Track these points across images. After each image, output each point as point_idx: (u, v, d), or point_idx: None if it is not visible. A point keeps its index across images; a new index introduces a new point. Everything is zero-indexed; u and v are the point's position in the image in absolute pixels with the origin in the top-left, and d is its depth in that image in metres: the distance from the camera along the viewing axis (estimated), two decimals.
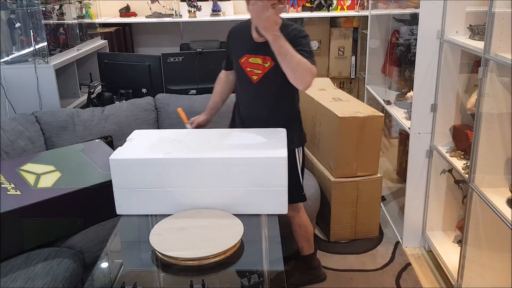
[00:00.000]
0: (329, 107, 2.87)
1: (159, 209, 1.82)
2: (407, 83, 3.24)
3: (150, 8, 4.94)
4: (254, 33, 2.08)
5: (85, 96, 3.49)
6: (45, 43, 3.12)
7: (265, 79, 2.11)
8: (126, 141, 2.01)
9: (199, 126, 2.29)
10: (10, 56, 3.15)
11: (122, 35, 4.98)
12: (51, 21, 3.50)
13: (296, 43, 1.99)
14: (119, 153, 1.85)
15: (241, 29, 2.19)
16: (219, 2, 4.83)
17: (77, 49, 3.63)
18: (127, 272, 1.60)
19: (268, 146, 1.87)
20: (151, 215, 1.84)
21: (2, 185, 2.05)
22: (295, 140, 2.19)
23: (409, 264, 2.69)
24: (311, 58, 1.99)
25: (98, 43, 4.09)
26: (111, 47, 4.50)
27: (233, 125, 2.34)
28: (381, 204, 3.15)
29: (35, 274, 1.89)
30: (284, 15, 4.86)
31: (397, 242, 2.90)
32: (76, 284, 2.02)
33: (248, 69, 2.14)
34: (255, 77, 2.13)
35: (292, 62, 1.88)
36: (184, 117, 2.28)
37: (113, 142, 2.82)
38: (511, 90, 2.00)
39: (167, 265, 1.54)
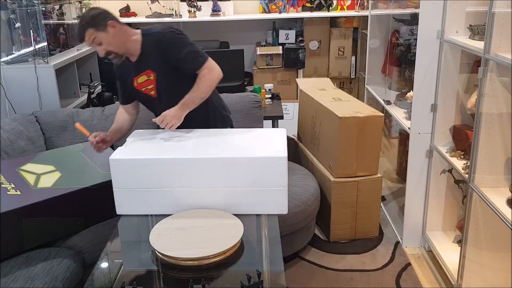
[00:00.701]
0: (329, 107, 2.87)
1: (159, 209, 1.82)
2: (407, 83, 3.24)
3: (150, 8, 4.94)
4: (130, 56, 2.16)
5: (85, 96, 3.49)
6: (45, 43, 3.12)
7: (161, 90, 2.17)
8: (126, 141, 2.01)
9: (103, 140, 2.16)
10: (10, 56, 3.15)
11: None
12: (51, 21, 3.50)
13: (173, 51, 2.09)
14: (119, 153, 1.85)
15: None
16: (219, 2, 4.83)
17: (77, 49, 3.63)
18: (127, 272, 1.60)
19: (268, 146, 1.87)
20: (151, 215, 1.84)
21: (2, 185, 2.05)
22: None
23: (409, 264, 2.69)
24: (197, 54, 2.09)
25: None
26: None
27: None
28: (381, 204, 3.15)
29: (35, 274, 1.89)
30: (284, 15, 4.87)
31: (397, 242, 2.90)
32: (76, 284, 2.02)
33: (143, 89, 2.20)
34: (152, 92, 2.20)
35: (202, 95, 2.08)
36: (84, 131, 2.14)
37: None
38: (511, 90, 2.00)
39: (167, 265, 1.54)
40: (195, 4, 4.78)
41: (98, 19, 2.04)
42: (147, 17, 4.93)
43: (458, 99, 2.53)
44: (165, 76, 2.14)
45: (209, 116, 2.27)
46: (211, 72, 2.09)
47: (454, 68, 2.48)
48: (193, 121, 2.11)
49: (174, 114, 2.02)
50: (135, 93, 2.25)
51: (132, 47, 2.13)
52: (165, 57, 2.10)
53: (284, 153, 1.77)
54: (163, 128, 2.04)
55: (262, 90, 3.47)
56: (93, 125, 2.83)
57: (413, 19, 3.15)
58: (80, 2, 4.05)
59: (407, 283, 2.53)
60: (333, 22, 4.97)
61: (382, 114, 2.83)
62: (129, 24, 5.85)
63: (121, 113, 2.36)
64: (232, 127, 2.44)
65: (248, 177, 1.77)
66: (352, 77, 5.08)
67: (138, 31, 2.16)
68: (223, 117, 2.38)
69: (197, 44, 2.16)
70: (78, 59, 3.57)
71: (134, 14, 5.07)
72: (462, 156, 2.37)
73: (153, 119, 2.06)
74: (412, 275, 2.59)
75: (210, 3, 4.82)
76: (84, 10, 4.14)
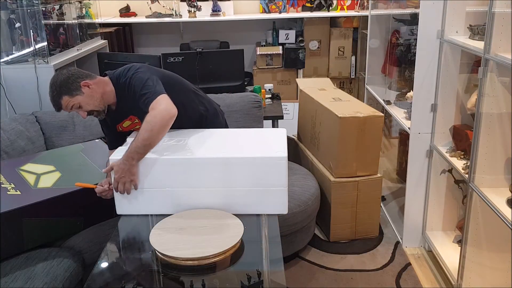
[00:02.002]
0: (329, 107, 2.87)
1: (159, 209, 1.82)
2: (407, 83, 3.24)
3: (150, 8, 4.94)
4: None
5: None
6: (45, 43, 3.12)
7: None
8: (126, 141, 2.01)
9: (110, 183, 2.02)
10: (10, 56, 3.15)
11: (122, 35, 4.98)
12: (51, 21, 3.50)
13: (134, 96, 1.93)
14: (119, 153, 1.85)
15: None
16: (219, 2, 4.83)
17: (77, 49, 3.63)
18: (127, 272, 1.60)
19: (268, 146, 1.87)
20: (151, 215, 1.84)
21: (2, 185, 2.05)
22: None
23: (409, 264, 2.69)
24: (146, 95, 1.88)
25: (98, 43, 4.09)
26: (111, 47, 4.50)
27: None
28: (381, 204, 3.15)
29: (35, 274, 1.89)
30: (284, 15, 4.87)
31: (397, 242, 2.90)
32: (76, 284, 2.02)
33: (132, 130, 2.14)
34: None
35: (145, 142, 1.77)
36: (87, 185, 2.01)
37: None
38: (511, 90, 2.00)
39: (167, 265, 1.54)
40: (195, 4, 4.78)
41: (69, 84, 1.92)
42: (147, 17, 4.93)
43: (458, 99, 2.53)
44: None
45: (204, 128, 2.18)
46: (153, 113, 1.80)
47: (454, 68, 2.48)
48: None
49: (122, 172, 1.77)
50: (124, 135, 2.14)
51: (111, 97, 2.04)
52: (137, 101, 1.98)
53: (284, 153, 1.77)
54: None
55: (262, 90, 3.47)
56: (93, 125, 2.83)
57: (413, 19, 3.15)
58: (80, 2, 4.05)
59: (407, 283, 2.53)
60: (333, 22, 4.97)
61: (382, 114, 2.83)
62: (129, 24, 5.81)
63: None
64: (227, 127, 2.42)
65: (248, 177, 1.77)
66: (352, 77, 5.09)
67: (107, 79, 2.05)
68: (215, 126, 2.27)
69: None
70: (78, 59, 3.57)
71: (134, 14, 5.07)
72: (462, 156, 2.37)
73: (103, 170, 1.89)
74: (412, 275, 2.59)
75: (210, 3, 4.83)
76: (84, 10, 4.14)
